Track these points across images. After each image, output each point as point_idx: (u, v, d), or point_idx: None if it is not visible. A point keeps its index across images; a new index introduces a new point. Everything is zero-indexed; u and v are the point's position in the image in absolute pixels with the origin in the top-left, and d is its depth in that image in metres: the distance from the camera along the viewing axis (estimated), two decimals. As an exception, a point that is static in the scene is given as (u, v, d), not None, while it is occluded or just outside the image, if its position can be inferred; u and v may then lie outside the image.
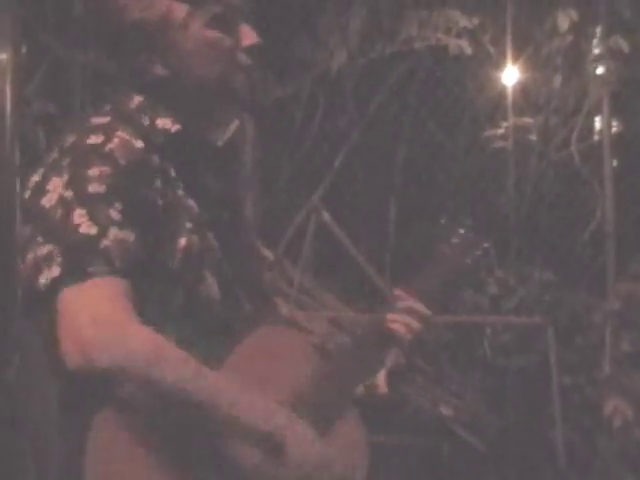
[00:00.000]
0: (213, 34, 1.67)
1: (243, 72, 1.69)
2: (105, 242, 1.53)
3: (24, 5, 3.92)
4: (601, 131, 4.20)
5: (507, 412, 4.07)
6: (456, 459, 3.90)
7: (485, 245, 1.90)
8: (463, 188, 4.54)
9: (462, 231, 1.90)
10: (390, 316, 1.76)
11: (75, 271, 1.52)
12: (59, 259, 1.53)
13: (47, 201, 1.57)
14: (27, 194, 1.62)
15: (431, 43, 4.24)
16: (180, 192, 1.65)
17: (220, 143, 1.72)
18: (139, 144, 1.61)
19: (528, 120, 4.22)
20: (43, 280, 1.53)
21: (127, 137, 1.61)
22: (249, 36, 1.69)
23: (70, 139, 1.61)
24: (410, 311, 1.78)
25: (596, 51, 4.21)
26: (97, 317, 1.49)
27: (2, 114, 3.76)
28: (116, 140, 1.59)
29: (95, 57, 4.19)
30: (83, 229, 1.54)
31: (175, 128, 1.67)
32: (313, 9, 4.36)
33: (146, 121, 1.67)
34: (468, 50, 4.20)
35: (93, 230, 1.54)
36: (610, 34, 4.12)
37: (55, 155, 1.60)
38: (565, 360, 4.02)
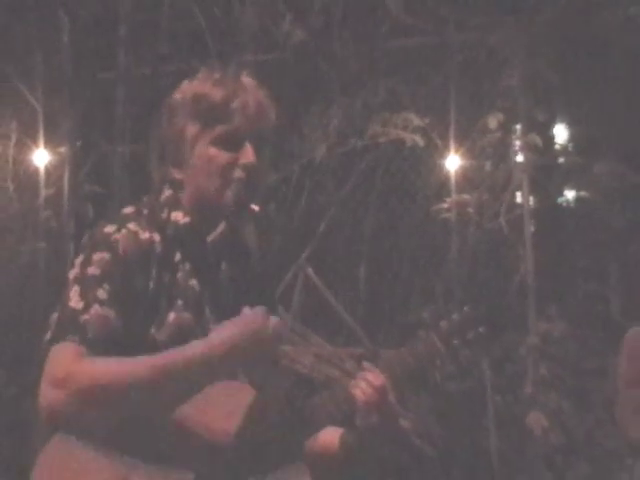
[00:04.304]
0: (214, 151, 1.78)
1: (235, 185, 1.77)
2: (85, 317, 1.66)
3: (79, 111, 4.57)
4: (522, 205, 4.48)
5: (452, 425, 4.41)
6: (411, 463, 4.24)
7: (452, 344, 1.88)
8: (418, 252, 4.78)
9: (445, 323, 1.88)
10: (352, 382, 1.85)
11: (58, 338, 1.67)
12: (53, 326, 1.69)
13: (71, 274, 1.73)
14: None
15: (392, 138, 4.61)
16: (180, 274, 1.76)
17: (209, 239, 1.82)
18: (145, 235, 1.74)
19: (467, 196, 4.51)
20: (45, 340, 1.69)
21: (135, 229, 1.73)
22: (246, 155, 1.77)
23: (97, 226, 1.76)
24: (368, 380, 1.83)
25: (517, 144, 4.54)
26: (57, 378, 1.61)
27: (61, 193, 4.53)
28: (124, 231, 1.72)
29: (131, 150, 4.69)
30: (72, 303, 1.68)
31: (184, 221, 1.80)
32: (300, 111, 4.70)
33: (165, 214, 1.80)
34: (421, 143, 4.58)
35: (79, 305, 1.67)
36: (528, 132, 4.48)
37: (86, 237, 1.76)
38: (496, 384, 4.39)
